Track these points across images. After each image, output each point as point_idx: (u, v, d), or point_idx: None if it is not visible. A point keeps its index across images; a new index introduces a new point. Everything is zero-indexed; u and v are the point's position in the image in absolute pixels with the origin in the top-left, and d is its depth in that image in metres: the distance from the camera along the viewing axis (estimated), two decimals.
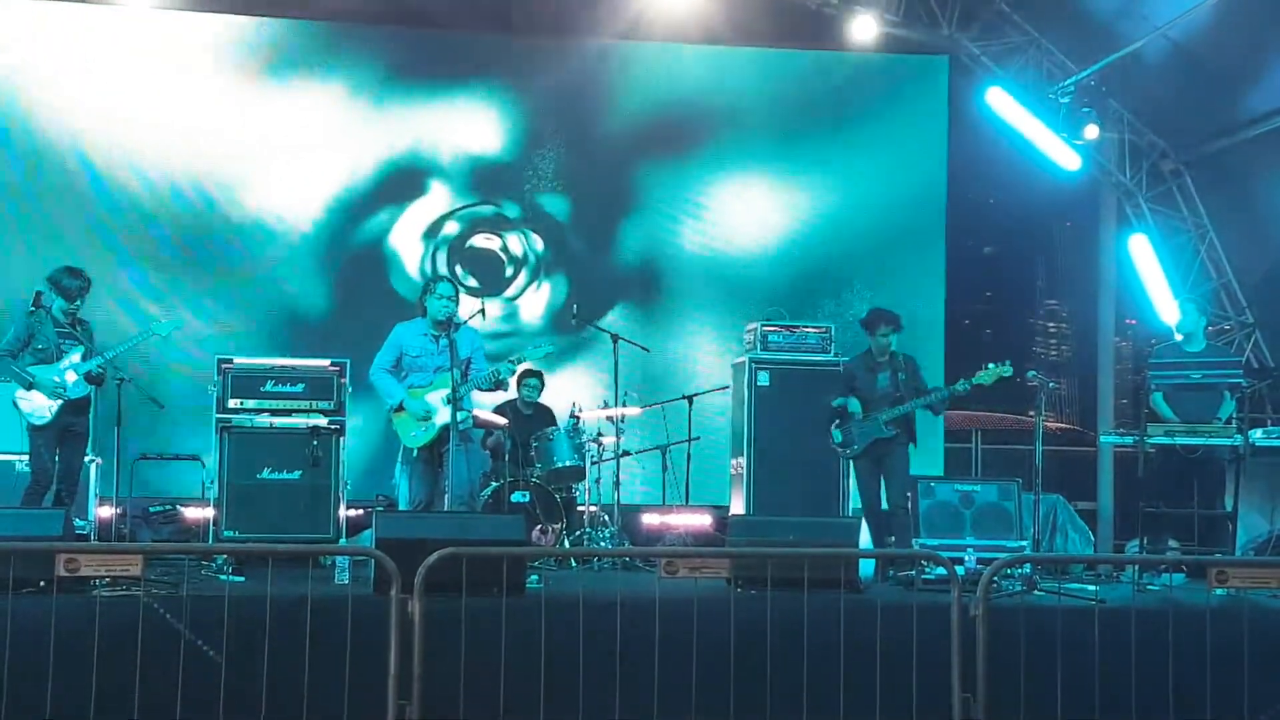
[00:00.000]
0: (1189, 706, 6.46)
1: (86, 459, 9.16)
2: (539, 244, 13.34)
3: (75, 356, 8.71)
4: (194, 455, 10.30)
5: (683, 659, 6.44)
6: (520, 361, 9.14)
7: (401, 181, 13.21)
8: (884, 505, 9.43)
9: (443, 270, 12.98)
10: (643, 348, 11.40)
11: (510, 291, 13.31)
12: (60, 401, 8.65)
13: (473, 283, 13.00)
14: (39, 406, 8.63)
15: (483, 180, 13.33)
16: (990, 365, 9.33)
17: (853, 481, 9.92)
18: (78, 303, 8.75)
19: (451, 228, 13.30)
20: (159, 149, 12.56)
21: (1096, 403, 13.66)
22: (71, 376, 8.66)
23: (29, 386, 8.61)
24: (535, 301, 13.32)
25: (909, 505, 9.27)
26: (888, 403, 9.43)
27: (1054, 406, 19.46)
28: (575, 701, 6.31)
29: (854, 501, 10.05)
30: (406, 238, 13.25)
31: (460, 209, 13.30)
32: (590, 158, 13.33)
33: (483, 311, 9.31)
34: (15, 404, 8.69)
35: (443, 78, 13.25)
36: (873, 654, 6.36)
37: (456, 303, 9.02)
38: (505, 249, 13.32)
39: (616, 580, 8.16)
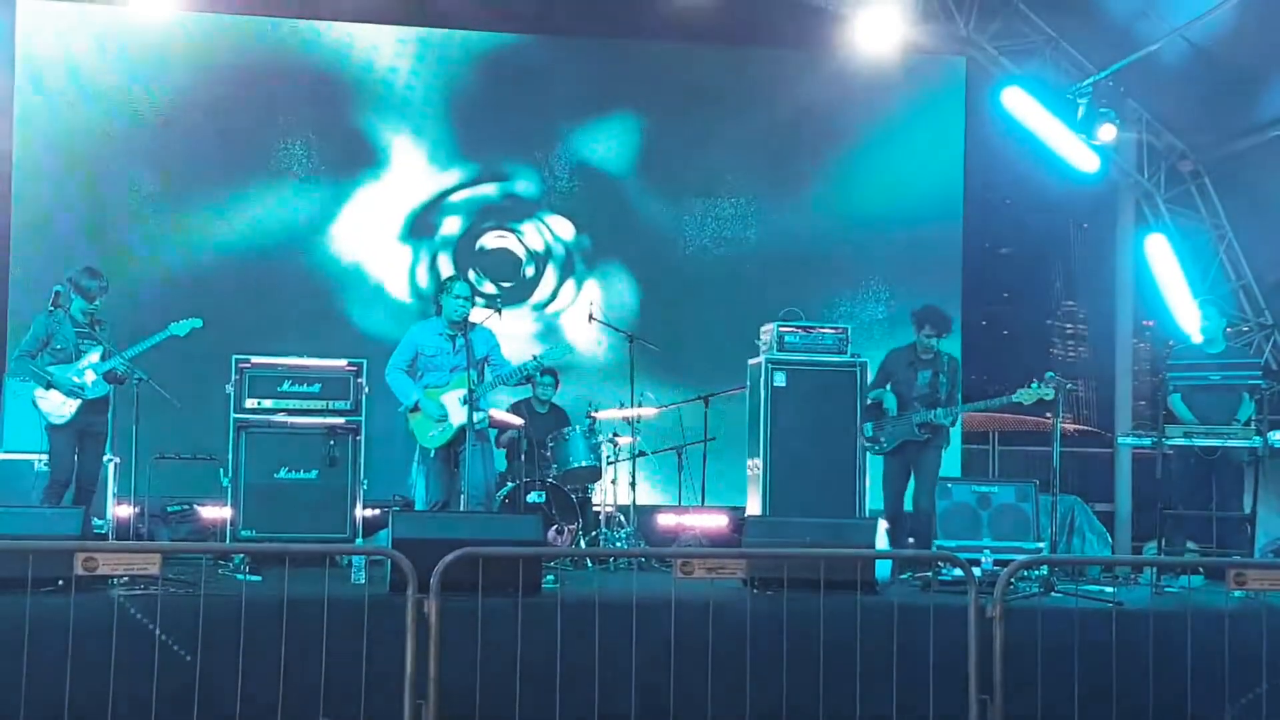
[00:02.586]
0: (1207, 709, 6.44)
1: (105, 458, 9.19)
2: (567, 231, 12.93)
3: (94, 356, 8.74)
4: (211, 455, 10.31)
5: (698, 660, 6.44)
6: (543, 361, 9.16)
7: (329, 134, 12.44)
8: (908, 506, 9.41)
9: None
10: (654, 347, 11.37)
11: (538, 296, 12.84)
12: (79, 401, 8.68)
13: (489, 288, 12.56)
14: (57, 406, 8.67)
15: (472, 121, 12.62)
16: (1034, 384, 9.25)
17: (870, 479, 9.92)
18: (96, 303, 8.78)
19: (452, 225, 12.75)
20: None
21: (1114, 404, 13.60)
22: (90, 376, 8.69)
23: (47, 386, 8.65)
24: (583, 311, 11.96)
25: (934, 508, 9.28)
26: (924, 403, 9.42)
27: (1071, 408, 19.37)
28: (591, 702, 6.32)
29: (871, 502, 10.04)
30: (371, 239, 12.55)
31: (450, 191, 12.65)
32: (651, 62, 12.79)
33: (499, 310, 9.34)
34: (35, 404, 8.73)
35: None
36: (889, 656, 6.35)
37: (473, 302, 9.04)
38: (523, 244, 12.88)
39: (632, 581, 8.17)
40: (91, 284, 8.74)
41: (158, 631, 6.22)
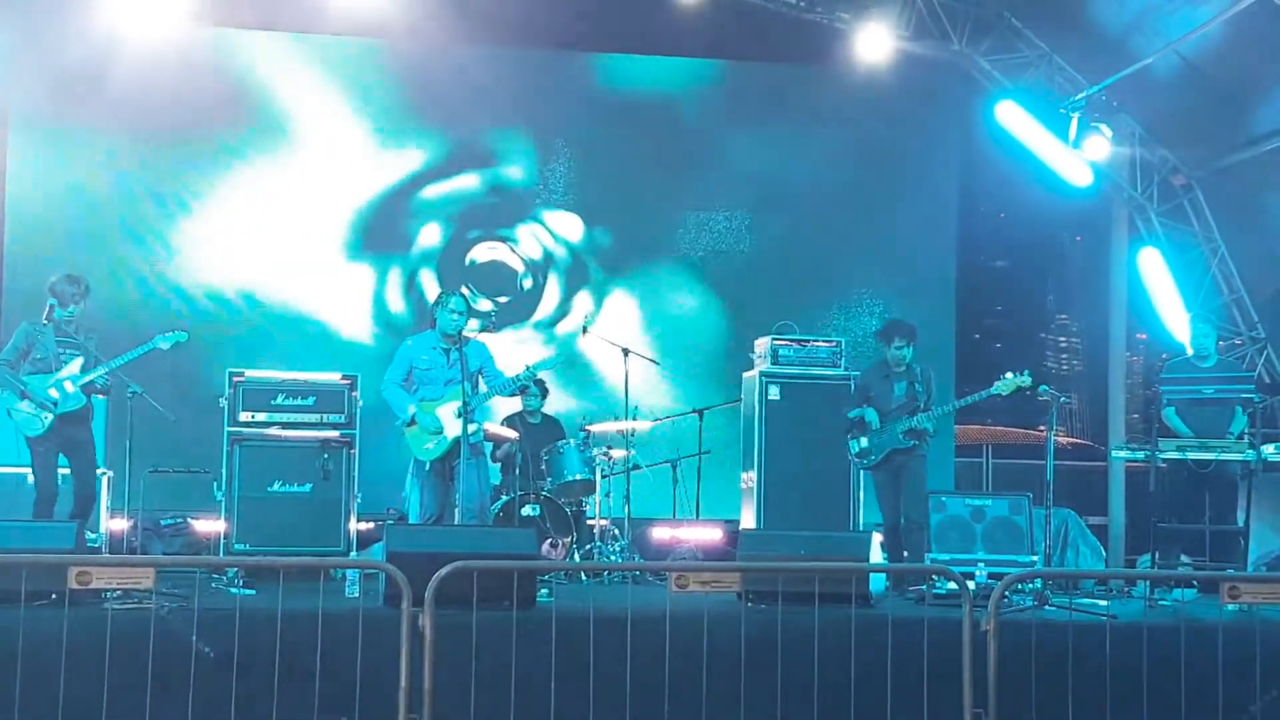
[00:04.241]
0: None
1: (98, 472, 9.14)
2: (573, 229, 12.54)
3: (74, 367, 8.63)
4: (205, 468, 10.30)
5: (693, 674, 6.45)
6: (537, 370, 9.15)
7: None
8: (901, 519, 9.43)
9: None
10: (654, 360, 11.36)
11: (541, 312, 12.49)
12: (52, 414, 8.55)
13: (485, 305, 12.17)
14: (29, 417, 8.56)
15: (436, 84, 11.89)
16: (1008, 375, 9.28)
17: (863, 495, 9.93)
18: (71, 309, 8.66)
19: (431, 235, 12.26)
20: None
21: (1108, 417, 13.62)
22: (69, 387, 8.58)
23: (22, 396, 8.55)
24: (605, 332, 11.24)
25: (924, 520, 9.28)
26: (905, 412, 9.44)
27: (1065, 421, 19.43)
28: (585, 715, 6.31)
29: (865, 515, 10.05)
30: (306, 256, 11.97)
31: (422, 181, 12.00)
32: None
33: (493, 325, 9.35)
34: (9, 414, 8.63)
35: None
36: (884, 669, 6.35)
37: (467, 317, 9.04)
38: (517, 253, 12.51)
39: (627, 594, 8.16)
40: (67, 289, 8.61)
41: (151, 646, 6.20)
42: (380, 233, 12.19)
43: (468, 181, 12.27)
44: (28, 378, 8.57)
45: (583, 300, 12.71)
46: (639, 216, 12.92)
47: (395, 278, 12.24)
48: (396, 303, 12.25)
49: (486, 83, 12.03)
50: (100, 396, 8.86)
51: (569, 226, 12.70)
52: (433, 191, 12.26)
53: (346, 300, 12.11)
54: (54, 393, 8.56)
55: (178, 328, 8.99)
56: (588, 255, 12.74)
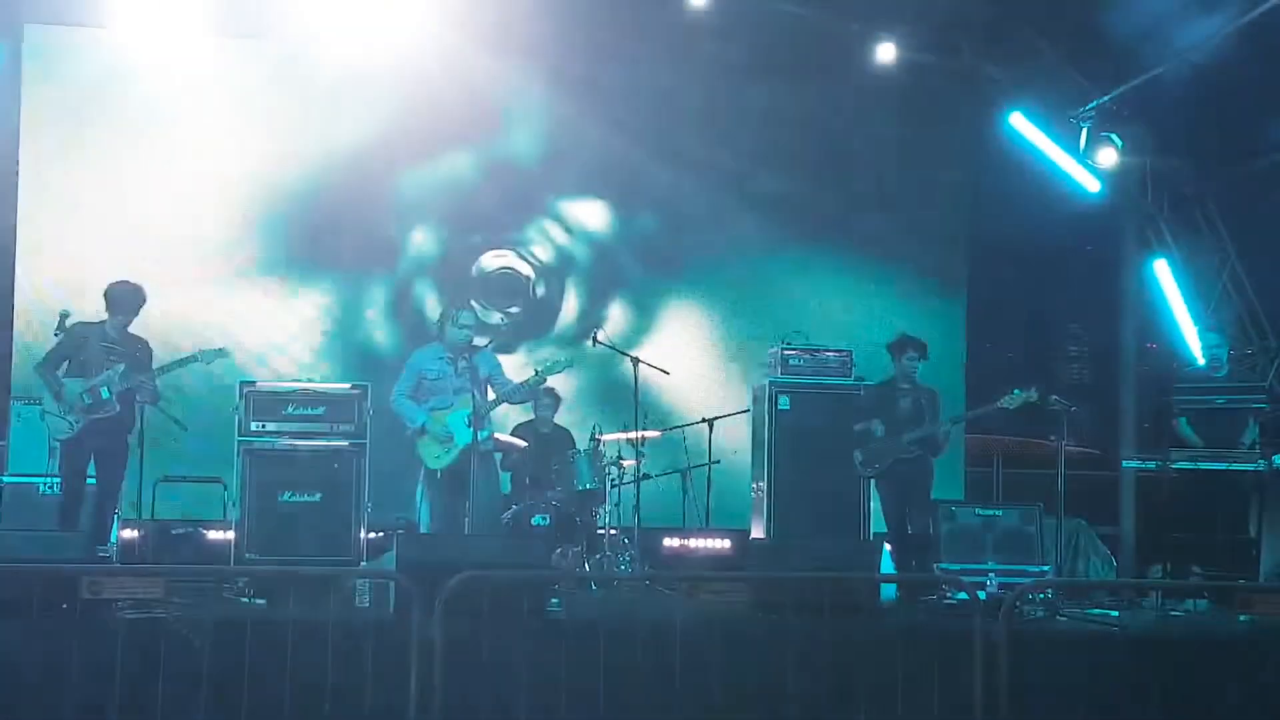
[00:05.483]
0: None
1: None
2: (596, 216, 11.98)
3: (115, 373, 8.60)
4: (216, 477, 10.32)
5: (702, 683, 6.44)
6: (545, 374, 9.14)
7: None
8: (909, 529, 9.42)
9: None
10: (663, 370, 11.33)
11: (561, 324, 12.08)
12: (85, 418, 8.55)
13: (496, 318, 11.66)
14: (59, 420, 8.57)
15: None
16: (1016, 390, 9.31)
17: (874, 505, 9.92)
18: (121, 317, 8.68)
19: (422, 240, 11.74)
20: None
21: (1118, 427, 13.59)
22: (105, 393, 8.56)
23: (57, 397, 8.56)
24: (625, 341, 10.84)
25: (932, 530, 9.27)
26: (911, 426, 9.44)
27: (1075, 430, 19.39)
28: None
29: (875, 525, 10.03)
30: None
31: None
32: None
33: (503, 330, 9.35)
34: (41, 417, 8.66)
35: None
36: (894, 679, 6.34)
37: (475, 331, 9.05)
38: (526, 258, 12.08)
39: (637, 603, 8.16)
40: (123, 296, 8.67)
41: (162, 656, 6.21)
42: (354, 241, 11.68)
43: (450, 158, 11.52)
44: (67, 379, 8.59)
45: (612, 305, 12.32)
46: (644, 225, 12.60)
47: (378, 298, 11.76)
48: (380, 336, 11.83)
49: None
50: (148, 404, 8.85)
51: (592, 214, 12.17)
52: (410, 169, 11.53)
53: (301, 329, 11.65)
54: (88, 397, 8.55)
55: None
56: (636, 237, 12.06)
